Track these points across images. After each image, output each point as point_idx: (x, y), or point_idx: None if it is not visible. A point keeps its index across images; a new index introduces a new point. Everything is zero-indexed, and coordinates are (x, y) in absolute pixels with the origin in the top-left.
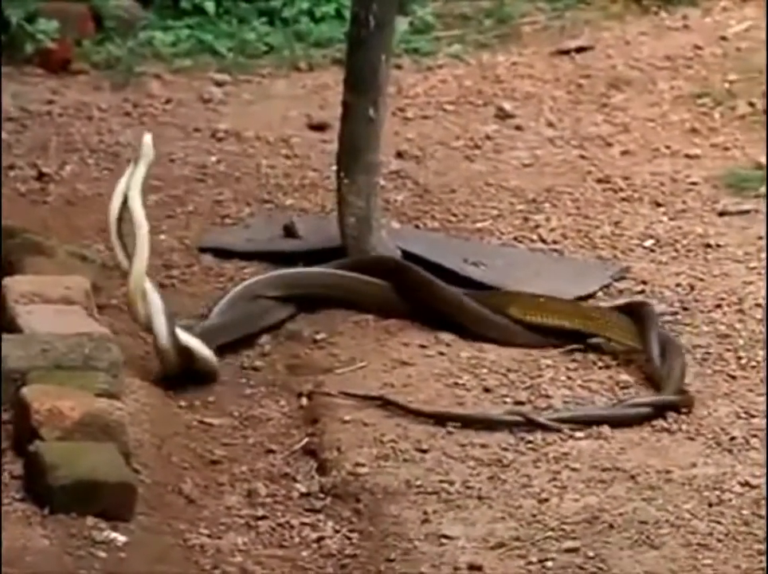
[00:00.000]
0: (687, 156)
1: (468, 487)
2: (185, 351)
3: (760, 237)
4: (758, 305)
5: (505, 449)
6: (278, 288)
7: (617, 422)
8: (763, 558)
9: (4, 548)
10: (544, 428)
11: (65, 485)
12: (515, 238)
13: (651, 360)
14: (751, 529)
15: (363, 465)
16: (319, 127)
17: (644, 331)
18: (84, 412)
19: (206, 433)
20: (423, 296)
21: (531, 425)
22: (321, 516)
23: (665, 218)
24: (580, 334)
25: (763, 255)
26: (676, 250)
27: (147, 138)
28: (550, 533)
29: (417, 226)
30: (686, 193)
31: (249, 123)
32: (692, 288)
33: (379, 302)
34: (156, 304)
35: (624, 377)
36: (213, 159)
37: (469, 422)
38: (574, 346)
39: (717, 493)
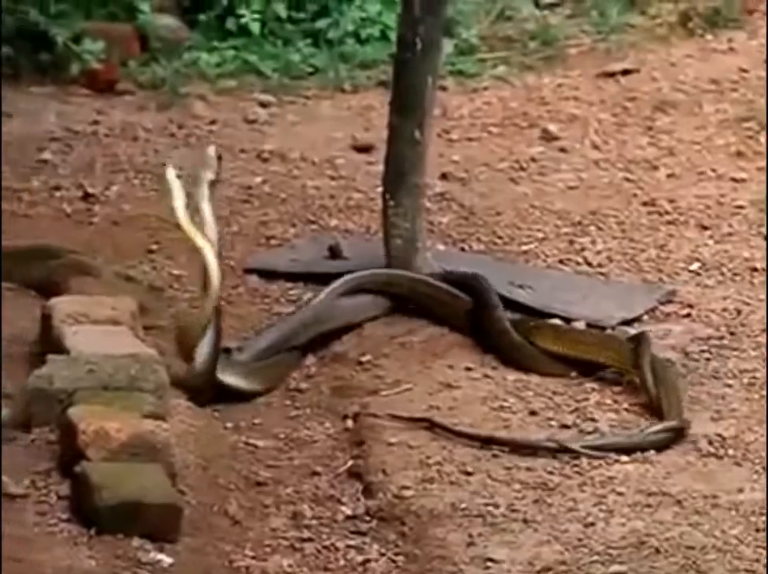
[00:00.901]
0: (733, 179)
1: (514, 510)
2: (218, 387)
3: None
4: None
5: (551, 472)
6: (377, 285)
7: (637, 450)
8: None
9: (50, 569)
10: (579, 455)
11: (111, 505)
12: (561, 261)
13: (646, 388)
14: None
15: (409, 487)
16: (364, 149)
17: (638, 357)
18: (131, 433)
19: (252, 454)
20: (477, 314)
21: (567, 453)
22: (366, 539)
23: (711, 242)
24: (598, 365)
25: None
26: (722, 274)
27: (211, 150)
28: (596, 557)
29: (462, 249)
30: (732, 216)
31: (294, 144)
32: (739, 312)
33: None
34: (210, 340)
35: None
36: (258, 179)
37: (513, 447)
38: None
39: (764, 518)
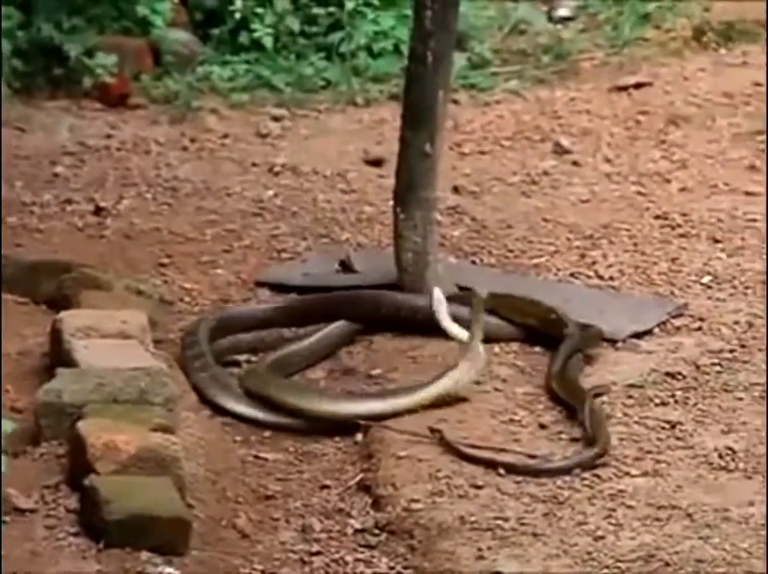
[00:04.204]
0: (746, 193)
1: (523, 524)
2: None
3: None
4: None
5: (560, 486)
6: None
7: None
8: None
9: None
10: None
11: (120, 519)
12: (572, 274)
13: (585, 426)
14: None
15: (418, 501)
16: (376, 162)
17: (582, 404)
18: (140, 446)
19: (261, 468)
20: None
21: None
22: (375, 553)
23: (723, 255)
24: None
25: None
26: (734, 287)
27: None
28: (605, 571)
29: (473, 262)
30: (744, 230)
31: (306, 157)
32: (750, 325)
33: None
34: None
35: (679, 412)
36: (270, 193)
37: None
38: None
39: None
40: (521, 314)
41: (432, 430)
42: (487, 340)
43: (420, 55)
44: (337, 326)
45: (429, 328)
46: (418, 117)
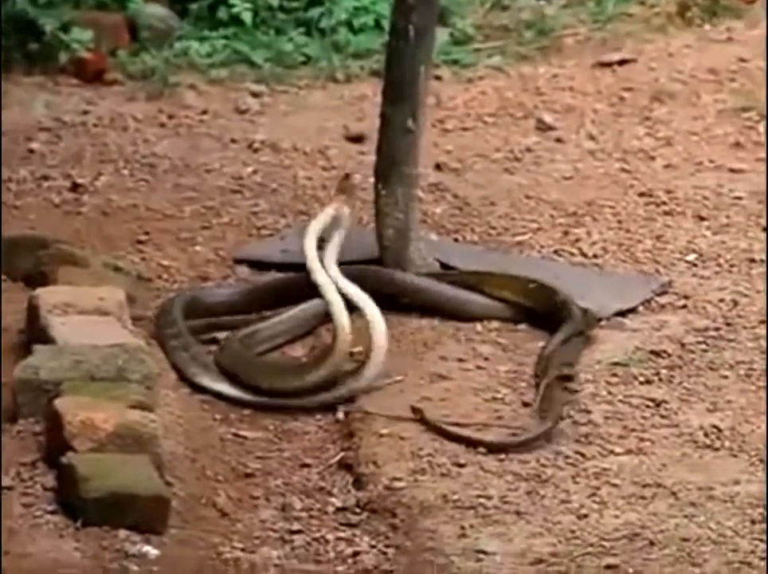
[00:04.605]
0: (731, 170)
1: (506, 502)
2: None
3: None
4: None
5: (544, 464)
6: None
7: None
8: None
9: (36, 561)
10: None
11: (98, 497)
12: (556, 252)
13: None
14: None
15: (400, 479)
16: (357, 139)
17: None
18: (118, 424)
19: (241, 446)
20: None
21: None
22: (357, 531)
23: (708, 233)
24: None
25: None
26: (719, 265)
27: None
28: (589, 550)
29: (455, 239)
30: (730, 207)
31: (286, 134)
32: (736, 303)
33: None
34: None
35: (663, 390)
36: (249, 170)
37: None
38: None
39: (759, 510)
40: (503, 289)
41: (413, 410)
42: (474, 318)
43: (402, 30)
44: (315, 303)
45: (412, 305)
46: (400, 93)
